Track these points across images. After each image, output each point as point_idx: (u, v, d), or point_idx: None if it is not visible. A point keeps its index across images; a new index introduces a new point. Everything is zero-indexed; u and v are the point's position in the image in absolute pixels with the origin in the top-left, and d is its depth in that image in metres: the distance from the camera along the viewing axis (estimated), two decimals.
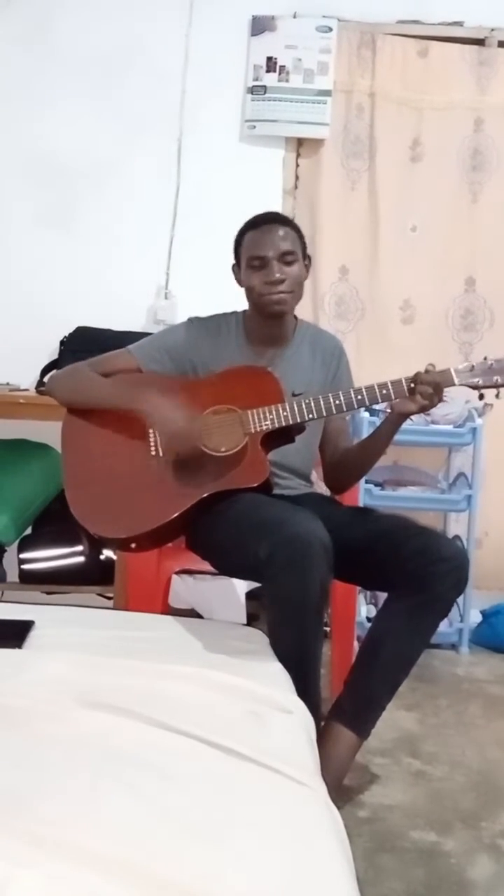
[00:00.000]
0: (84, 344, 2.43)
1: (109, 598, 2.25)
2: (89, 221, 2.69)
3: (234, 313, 1.68)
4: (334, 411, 1.49)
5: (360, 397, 1.48)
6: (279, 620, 1.34)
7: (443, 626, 1.77)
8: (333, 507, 1.65)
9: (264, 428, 1.49)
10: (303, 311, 1.74)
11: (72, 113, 2.67)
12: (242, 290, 1.63)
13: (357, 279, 2.78)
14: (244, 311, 1.68)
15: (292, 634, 1.33)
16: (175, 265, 2.69)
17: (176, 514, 1.45)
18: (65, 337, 2.54)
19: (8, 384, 2.42)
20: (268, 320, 1.61)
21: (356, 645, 2.09)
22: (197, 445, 1.48)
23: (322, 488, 1.80)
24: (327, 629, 2.04)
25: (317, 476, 1.78)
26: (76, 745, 0.90)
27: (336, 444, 1.71)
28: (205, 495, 1.46)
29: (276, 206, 2.69)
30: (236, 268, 1.63)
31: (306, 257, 1.62)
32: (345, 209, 2.76)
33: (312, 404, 1.49)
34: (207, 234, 2.58)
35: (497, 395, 1.44)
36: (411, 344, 2.74)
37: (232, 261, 1.64)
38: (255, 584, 1.61)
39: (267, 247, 1.55)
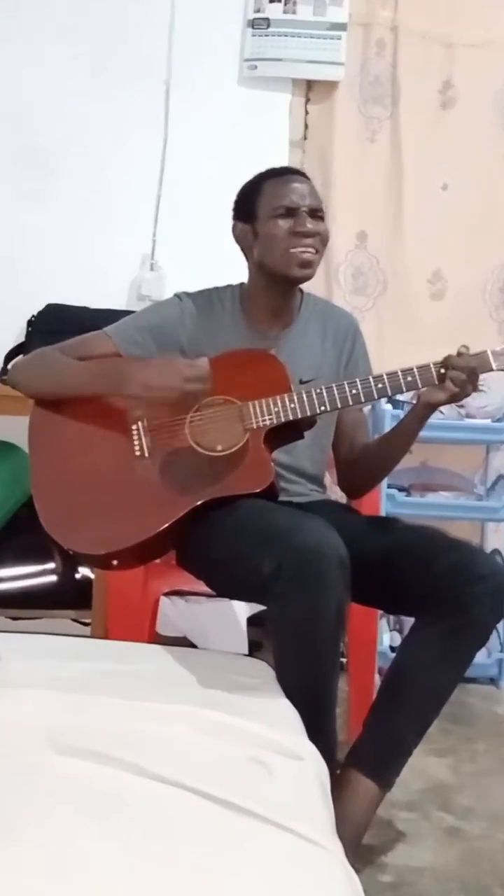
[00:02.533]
0: (55, 324, 2.43)
1: (86, 625, 2.26)
2: (61, 182, 2.69)
3: (230, 287, 1.68)
4: (350, 402, 1.49)
5: (380, 385, 1.48)
6: (287, 650, 1.35)
7: (480, 657, 1.76)
8: (350, 515, 1.66)
9: (268, 422, 1.50)
10: (314, 285, 1.75)
11: (40, 57, 2.67)
12: (241, 262, 1.64)
13: (377, 247, 2.78)
14: (241, 284, 1.68)
15: (303, 666, 1.33)
16: (163, 231, 2.70)
17: (165, 526, 1.46)
18: (32, 316, 2.55)
19: None
20: (279, 289, 1.61)
21: (378, 679, 2.09)
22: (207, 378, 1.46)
23: (336, 494, 1.80)
24: (344, 660, 2.02)
25: (330, 479, 1.79)
26: (48, 797, 0.90)
27: (352, 441, 1.72)
28: (199, 503, 1.47)
29: (281, 160, 2.68)
30: (243, 226, 1.62)
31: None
32: (363, 164, 2.76)
33: (325, 394, 1.49)
34: (201, 194, 2.59)
35: None
36: (441, 322, 2.74)
37: (232, 221, 1.65)
38: (259, 607, 1.65)
39: (297, 196, 1.56)
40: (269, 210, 1.57)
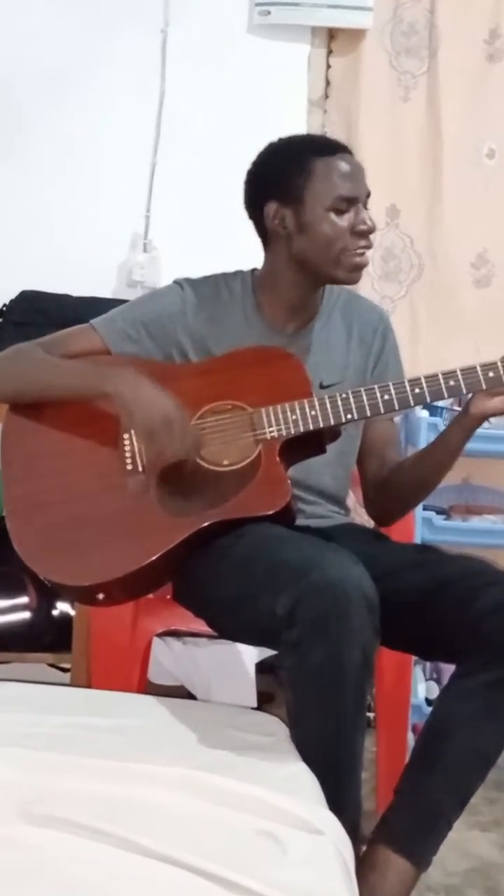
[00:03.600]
0: (31, 315, 2.48)
1: (66, 671, 2.26)
2: (41, 148, 2.72)
3: (239, 273, 1.69)
4: (382, 410, 1.49)
5: (417, 391, 1.48)
6: (304, 703, 1.34)
7: None
8: (379, 544, 1.66)
9: (284, 433, 1.50)
10: None
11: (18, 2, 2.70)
12: (252, 244, 1.65)
13: (411, 225, 2.80)
14: (253, 271, 1.69)
15: (322, 722, 1.32)
16: (158, 206, 2.72)
17: (160, 553, 1.45)
18: (4, 305, 2.58)
19: None
20: (311, 286, 1.63)
21: (411, 738, 2.09)
22: (195, 441, 1.49)
23: (363, 518, 1.80)
24: (371, 715, 2.03)
25: (355, 500, 1.80)
26: (19, 877, 0.89)
27: (383, 457, 1.72)
28: (200, 527, 1.46)
29: (299, 122, 2.71)
30: (282, 209, 1.59)
31: None
32: (395, 127, 2.79)
33: (351, 400, 1.49)
34: (203, 162, 2.62)
35: None
36: (487, 314, 2.75)
37: (254, 196, 1.63)
38: (270, 652, 1.63)
39: (358, 185, 1.58)
40: (326, 199, 1.56)
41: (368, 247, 1.58)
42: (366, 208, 1.59)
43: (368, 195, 1.60)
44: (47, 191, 2.71)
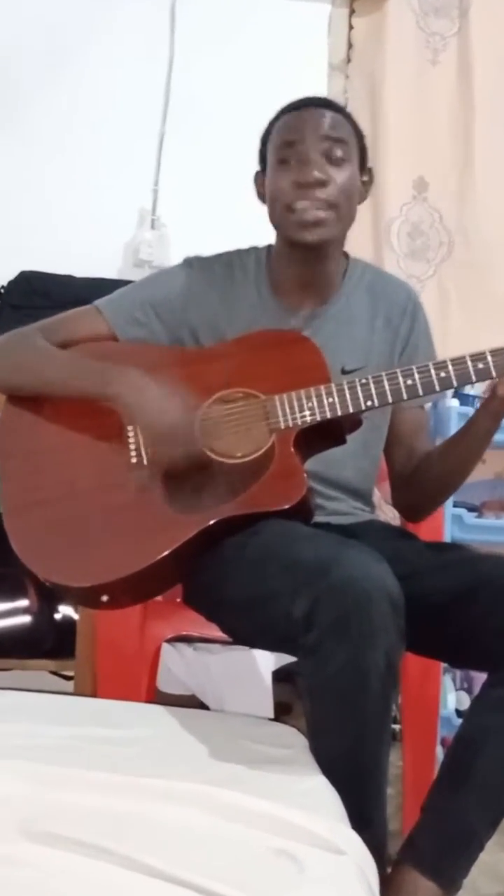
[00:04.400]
0: (30, 297, 2.49)
1: (69, 679, 2.26)
2: (41, 120, 2.73)
3: (254, 250, 1.70)
4: (405, 396, 1.49)
5: (443, 375, 1.48)
6: (324, 712, 1.34)
7: None
8: (405, 542, 1.65)
9: (300, 422, 1.50)
10: (360, 247, 1.76)
11: None
12: (267, 220, 1.64)
13: (440, 199, 2.81)
14: (268, 248, 1.70)
15: (344, 734, 1.32)
16: (167, 180, 2.74)
17: (168, 552, 1.46)
18: (2, 287, 2.60)
19: None
20: (298, 256, 1.62)
21: (440, 751, 2.09)
22: (198, 450, 1.49)
23: (388, 514, 1.80)
24: (396, 727, 2.03)
25: (380, 496, 1.80)
26: None
27: (411, 446, 1.72)
28: (211, 523, 1.47)
29: (318, 88, 2.70)
30: (260, 175, 1.65)
31: (365, 169, 1.65)
32: (422, 93, 2.79)
33: (372, 386, 1.49)
34: (216, 132, 2.63)
35: None
36: None
37: (255, 167, 1.67)
38: (288, 659, 1.64)
39: (305, 130, 1.57)
40: (274, 155, 1.59)
41: (319, 199, 1.55)
42: (328, 161, 1.56)
43: (335, 142, 1.56)
44: (48, 166, 2.73)
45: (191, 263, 1.68)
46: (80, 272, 2.58)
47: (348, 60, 2.79)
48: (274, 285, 1.67)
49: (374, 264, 1.81)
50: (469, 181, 2.77)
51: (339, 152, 1.57)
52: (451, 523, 2.41)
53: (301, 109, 1.61)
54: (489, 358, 1.46)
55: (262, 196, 1.65)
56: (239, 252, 1.69)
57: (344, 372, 1.57)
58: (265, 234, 1.67)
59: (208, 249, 1.70)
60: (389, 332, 1.70)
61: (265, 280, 1.67)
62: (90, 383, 1.56)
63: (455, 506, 2.43)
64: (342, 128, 1.60)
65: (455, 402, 2.44)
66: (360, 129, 1.65)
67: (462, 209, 2.78)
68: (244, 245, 1.70)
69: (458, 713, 2.40)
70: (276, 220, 1.61)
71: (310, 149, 1.56)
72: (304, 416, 1.50)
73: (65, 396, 1.59)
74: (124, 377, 1.55)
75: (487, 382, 1.55)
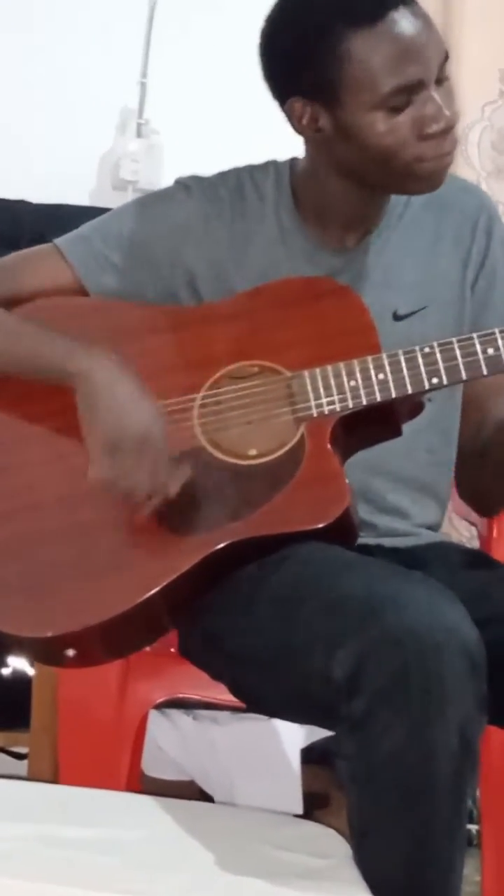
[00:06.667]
0: None
1: (20, 757, 2.32)
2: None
3: (272, 166, 1.67)
4: (484, 370, 1.47)
5: None
6: (375, 809, 1.29)
7: None
8: (488, 573, 1.63)
9: (337, 408, 1.49)
10: None
11: None
12: (283, 124, 1.59)
13: None
14: (292, 162, 1.66)
15: (401, 838, 1.28)
16: (157, 72, 2.71)
17: (157, 589, 1.44)
18: None
19: None
20: (371, 195, 1.61)
21: None
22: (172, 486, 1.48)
23: (463, 533, 1.78)
24: (473, 828, 2.01)
25: (450, 506, 1.79)
26: None
27: (484, 413, 1.70)
28: (218, 548, 1.45)
29: None
30: (308, 106, 1.56)
31: None
32: None
33: (439, 356, 1.47)
34: (222, 13, 2.59)
35: None
36: None
37: (271, 86, 1.59)
38: (324, 733, 1.62)
39: (424, 58, 1.50)
40: (374, 94, 1.49)
41: (450, 142, 1.54)
42: (442, 84, 1.52)
43: (447, 58, 1.52)
44: (5, 55, 2.71)
45: (187, 185, 1.66)
46: (37, 196, 2.57)
47: None
48: (304, 214, 1.64)
49: None
50: None
51: (445, 72, 1.53)
52: None
53: (390, 15, 1.49)
54: None
55: (301, 128, 1.58)
56: (252, 169, 1.67)
57: (396, 317, 1.57)
58: (286, 144, 1.64)
59: (212, 166, 1.67)
60: (458, 254, 1.68)
61: (290, 206, 1.65)
62: (47, 358, 1.55)
63: None
64: (437, 32, 1.54)
65: None
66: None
67: None
68: (258, 160, 1.68)
69: None
70: (382, 172, 1.55)
71: (433, 90, 1.51)
72: (346, 400, 1.48)
73: (18, 375, 1.59)
74: (95, 356, 1.53)
75: None
